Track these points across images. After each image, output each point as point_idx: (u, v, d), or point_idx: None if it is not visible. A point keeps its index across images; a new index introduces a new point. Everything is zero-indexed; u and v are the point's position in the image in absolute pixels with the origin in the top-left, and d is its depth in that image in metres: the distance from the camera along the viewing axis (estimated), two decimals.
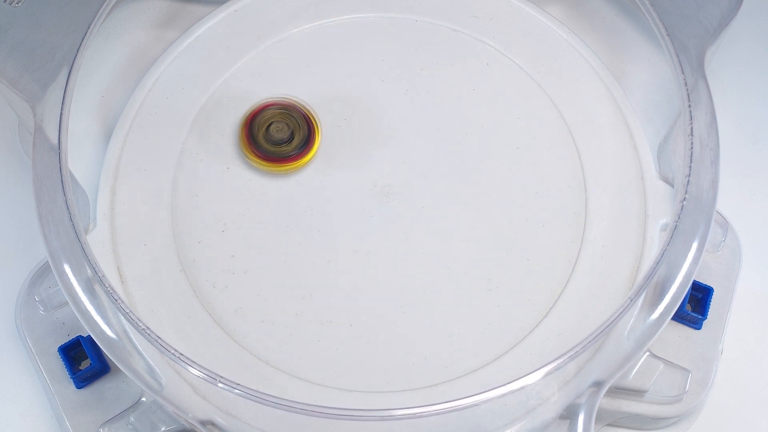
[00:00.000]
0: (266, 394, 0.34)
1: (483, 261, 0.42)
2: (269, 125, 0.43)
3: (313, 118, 0.44)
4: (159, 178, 0.43)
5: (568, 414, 0.37)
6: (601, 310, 0.40)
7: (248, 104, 0.44)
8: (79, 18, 0.42)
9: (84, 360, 0.41)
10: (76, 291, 0.36)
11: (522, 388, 0.34)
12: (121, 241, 0.42)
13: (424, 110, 0.45)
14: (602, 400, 0.37)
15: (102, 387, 0.40)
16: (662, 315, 0.37)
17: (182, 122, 0.45)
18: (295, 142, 0.43)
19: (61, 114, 0.39)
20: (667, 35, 0.41)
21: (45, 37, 0.41)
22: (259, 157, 0.43)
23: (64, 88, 0.40)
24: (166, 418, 0.39)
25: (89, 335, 0.37)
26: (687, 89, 0.40)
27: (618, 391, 0.40)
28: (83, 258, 0.37)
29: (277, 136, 0.43)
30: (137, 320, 0.35)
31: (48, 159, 0.38)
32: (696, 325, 0.41)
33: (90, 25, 0.41)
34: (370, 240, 0.42)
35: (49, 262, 0.37)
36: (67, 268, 0.37)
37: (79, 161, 0.44)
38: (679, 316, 0.41)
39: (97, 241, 0.41)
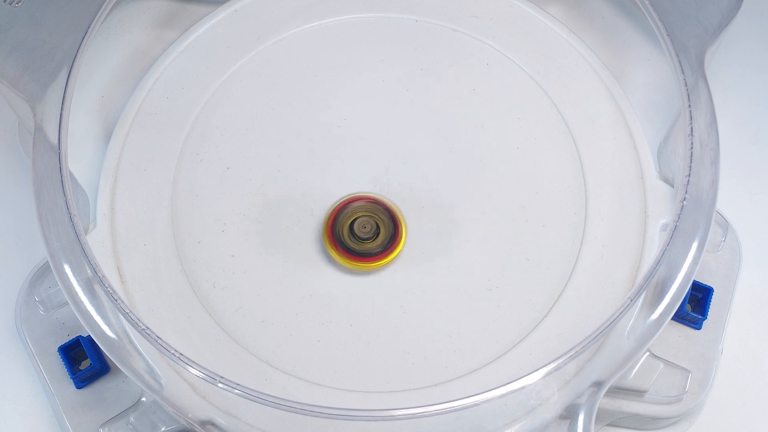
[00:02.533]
0: (266, 394, 0.34)
1: (483, 261, 0.42)
2: (354, 221, 0.41)
3: (399, 215, 0.42)
4: (159, 178, 0.43)
5: (568, 414, 0.37)
6: (601, 310, 0.40)
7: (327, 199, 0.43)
8: (79, 18, 0.42)
9: (84, 360, 0.41)
10: (76, 291, 0.36)
11: (522, 388, 0.34)
12: (121, 241, 0.42)
13: (424, 110, 0.45)
14: (602, 400, 0.37)
15: (102, 387, 0.40)
16: (662, 315, 0.37)
17: (182, 122, 0.45)
18: (380, 239, 0.41)
19: (61, 114, 0.39)
20: (667, 35, 0.41)
21: (45, 37, 0.41)
22: (343, 254, 0.41)
23: (64, 88, 0.40)
24: (166, 418, 0.39)
25: (89, 335, 0.37)
26: (687, 89, 0.40)
27: (618, 391, 0.40)
28: (83, 258, 0.37)
29: (363, 233, 0.41)
30: (137, 320, 0.35)
31: (48, 159, 0.38)
32: (696, 325, 0.41)
33: (90, 25, 0.41)
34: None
35: (49, 262, 0.37)
36: (67, 268, 0.37)
37: (79, 161, 0.44)
38: (679, 316, 0.41)
39: (97, 241, 0.41)
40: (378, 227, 0.41)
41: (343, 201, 0.42)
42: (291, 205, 0.43)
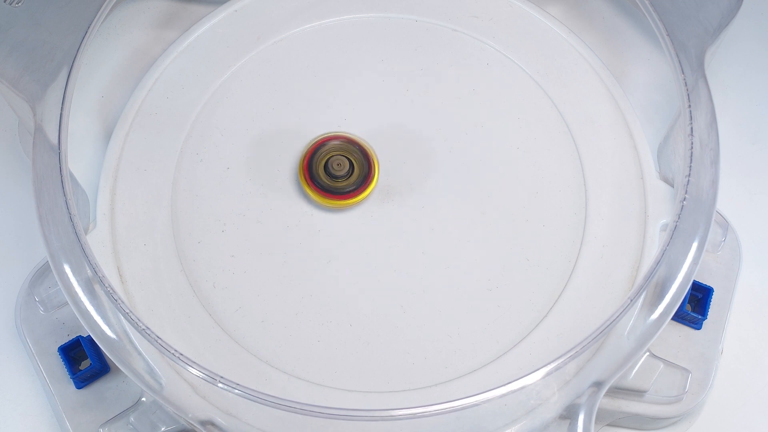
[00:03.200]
0: (266, 394, 0.34)
1: (483, 261, 0.42)
2: (328, 159, 0.42)
3: (372, 154, 0.43)
4: (159, 178, 0.43)
5: (568, 414, 0.37)
6: (601, 310, 0.40)
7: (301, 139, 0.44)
8: (79, 18, 0.42)
9: (84, 360, 0.41)
10: (76, 291, 0.36)
11: (522, 388, 0.34)
12: (121, 241, 0.42)
13: (424, 110, 0.45)
14: (602, 400, 0.37)
15: (102, 387, 0.40)
16: (662, 315, 0.37)
17: (182, 122, 0.45)
18: (354, 177, 0.42)
19: (61, 114, 0.39)
20: (667, 35, 0.41)
21: (45, 37, 0.41)
22: (317, 191, 0.42)
23: (64, 88, 0.40)
24: (166, 418, 0.39)
25: (89, 335, 0.37)
26: (687, 89, 0.40)
27: (618, 391, 0.40)
28: (83, 258, 0.37)
29: (337, 171, 0.42)
30: (137, 320, 0.35)
31: (48, 159, 0.38)
32: (696, 325, 0.41)
33: (90, 25, 0.41)
34: (370, 240, 0.42)
35: (49, 262, 0.37)
36: (67, 268, 0.37)
37: (79, 161, 0.44)
38: (679, 316, 0.41)
39: (97, 241, 0.41)
40: (352, 165, 0.42)
41: (318, 140, 0.43)
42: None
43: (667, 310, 0.37)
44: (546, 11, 0.48)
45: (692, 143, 0.39)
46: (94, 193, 0.43)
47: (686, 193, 0.38)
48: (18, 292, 0.43)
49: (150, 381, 0.37)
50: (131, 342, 0.37)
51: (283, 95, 0.45)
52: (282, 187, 0.43)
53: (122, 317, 0.36)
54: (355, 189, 0.42)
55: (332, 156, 0.42)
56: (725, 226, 0.43)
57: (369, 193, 0.42)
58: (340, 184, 0.42)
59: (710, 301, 0.41)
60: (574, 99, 0.45)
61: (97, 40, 0.47)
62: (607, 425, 0.42)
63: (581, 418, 0.37)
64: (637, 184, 0.43)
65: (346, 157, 0.42)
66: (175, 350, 0.35)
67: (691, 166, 0.38)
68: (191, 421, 0.37)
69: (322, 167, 0.42)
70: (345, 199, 0.42)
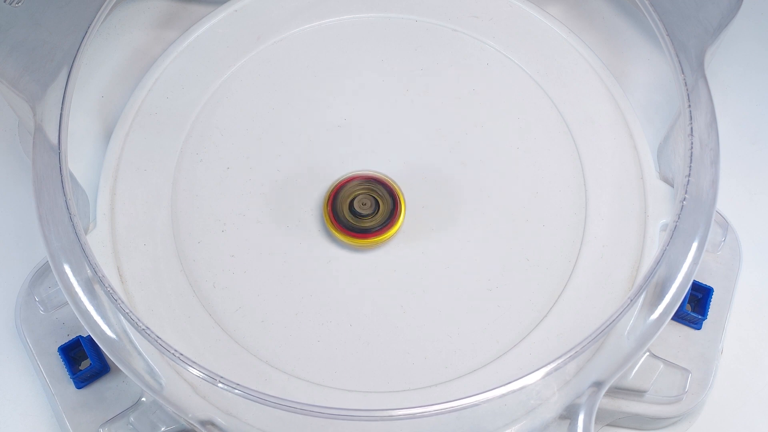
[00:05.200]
0: (266, 394, 0.34)
1: (483, 261, 0.42)
2: (353, 199, 0.42)
3: (398, 192, 0.42)
4: (159, 178, 0.43)
5: (568, 414, 0.37)
6: (601, 310, 0.40)
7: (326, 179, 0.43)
8: (79, 18, 0.42)
9: (84, 360, 0.41)
10: (76, 291, 0.36)
11: (522, 388, 0.34)
12: (121, 241, 0.42)
13: (424, 110, 0.45)
14: (602, 400, 0.37)
15: (102, 387, 0.40)
16: (662, 315, 0.37)
17: (182, 122, 0.45)
18: (379, 216, 0.41)
19: (61, 114, 0.39)
20: (667, 35, 0.41)
21: (45, 37, 0.41)
22: (342, 231, 0.41)
23: (64, 88, 0.40)
24: (166, 418, 0.39)
25: (89, 335, 0.37)
26: (687, 89, 0.40)
27: (618, 391, 0.40)
28: (83, 258, 0.37)
29: (362, 210, 0.41)
30: (137, 320, 0.35)
31: (48, 159, 0.38)
32: (696, 325, 0.41)
33: (90, 25, 0.41)
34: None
35: (49, 262, 0.37)
36: (67, 268, 0.37)
37: (79, 161, 0.44)
38: (679, 316, 0.41)
39: (97, 241, 0.41)
40: (377, 203, 0.42)
41: (342, 180, 0.42)
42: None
43: (667, 310, 0.37)
44: (546, 11, 0.48)
45: (692, 143, 0.39)
46: (94, 193, 0.43)
47: (686, 193, 0.38)
48: (18, 292, 0.43)
49: (150, 381, 0.37)
50: (131, 342, 0.37)
51: (283, 95, 0.45)
52: (282, 186, 0.43)
53: (122, 317, 0.36)
54: (381, 227, 0.41)
55: (356, 196, 0.42)
56: (725, 226, 0.43)
57: (395, 232, 0.41)
58: (366, 224, 0.41)
59: (710, 301, 0.41)
60: (574, 99, 0.45)
61: (97, 40, 0.47)
62: (607, 425, 0.42)
63: (581, 418, 0.37)
64: (637, 184, 0.43)
65: (372, 197, 0.42)
66: (175, 350, 0.35)
67: (691, 166, 0.38)
68: (191, 421, 0.37)
69: (347, 207, 0.42)
70: (371, 237, 0.41)
